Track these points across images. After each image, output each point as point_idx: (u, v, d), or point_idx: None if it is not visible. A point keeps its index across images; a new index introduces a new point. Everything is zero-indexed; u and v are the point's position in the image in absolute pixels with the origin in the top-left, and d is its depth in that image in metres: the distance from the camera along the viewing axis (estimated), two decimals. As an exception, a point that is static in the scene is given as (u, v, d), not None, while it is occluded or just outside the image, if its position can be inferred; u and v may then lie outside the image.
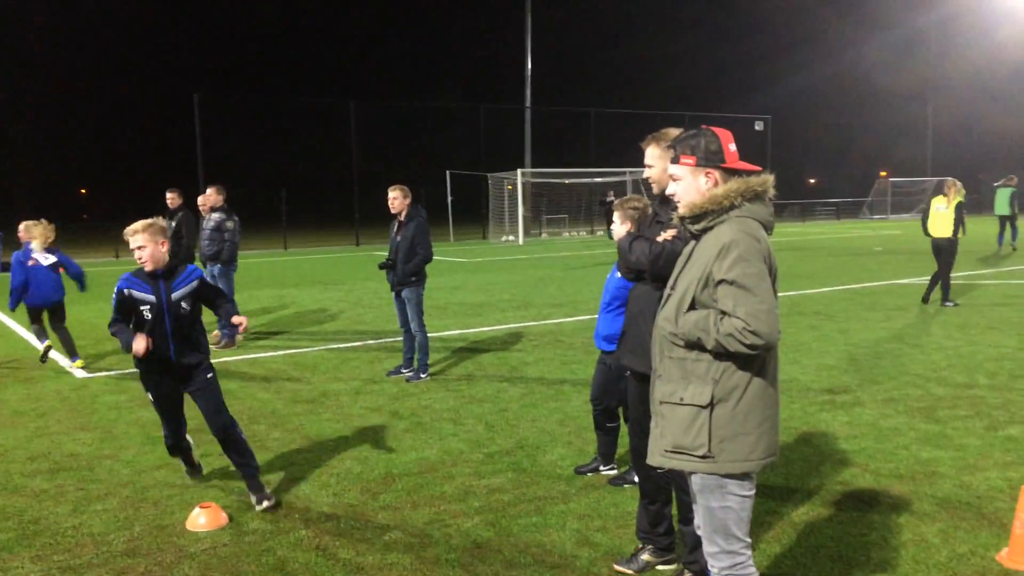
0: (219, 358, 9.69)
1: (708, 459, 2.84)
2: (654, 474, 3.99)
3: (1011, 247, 23.16)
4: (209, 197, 10.67)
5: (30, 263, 9.12)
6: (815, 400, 7.06)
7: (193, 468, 5.44)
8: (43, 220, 9.44)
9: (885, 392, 7.27)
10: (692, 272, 2.90)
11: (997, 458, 5.47)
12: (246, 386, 8.16)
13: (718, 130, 3.00)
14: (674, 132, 3.95)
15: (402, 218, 8.23)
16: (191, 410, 5.22)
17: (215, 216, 10.53)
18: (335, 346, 10.32)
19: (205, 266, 10.61)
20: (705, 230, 2.91)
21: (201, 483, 5.41)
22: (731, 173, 2.96)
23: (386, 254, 8.41)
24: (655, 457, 3.00)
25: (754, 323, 2.68)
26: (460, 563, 4.13)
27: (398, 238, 8.21)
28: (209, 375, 5.09)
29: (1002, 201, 23.28)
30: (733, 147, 2.99)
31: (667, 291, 3.01)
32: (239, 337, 10.64)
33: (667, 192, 3.15)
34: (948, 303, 12.39)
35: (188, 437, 5.33)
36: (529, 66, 39.71)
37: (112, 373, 8.94)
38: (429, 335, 8.53)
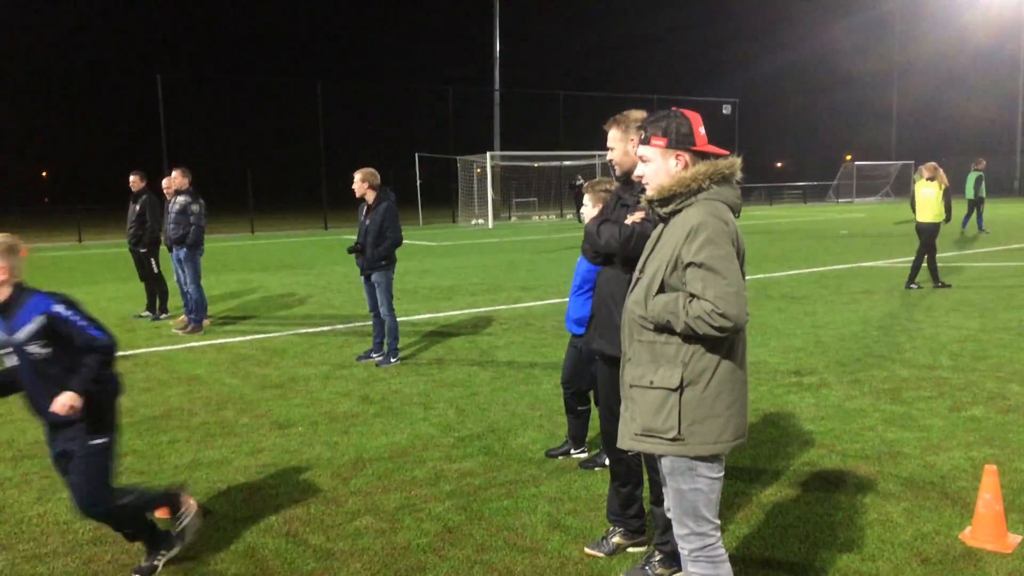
0: (186, 343, 9.58)
1: (678, 442, 2.85)
2: (626, 457, 4.01)
3: (979, 230, 23.54)
4: (174, 180, 10.49)
5: None
6: (782, 382, 7.14)
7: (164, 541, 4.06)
8: None
9: (851, 374, 7.38)
10: (661, 255, 2.90)
11: (960, 438, 5.58)
12: (213, 371, 8.07)
13: (688, 113, 2.99)
14: (637, 114, 3.94)
15: (370, 201, 8.16)
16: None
17: (180, 199, 10.36)
18: (304, 331, 10.24)
19: (171, 250, 10.45)
20: (673, 213, 2.91)
21: (168, 470, 5.34)
22: (701, 156, 2.95)
23: (354, 238, 8.34)
24: (625, 441, 3.00)
25: (723, 305, 2.69)
26: (432, 548, 4.13)
27: (367, 222, 8.15)
28: (93, 441, 3.78)
29: (968, 185, 23.74)
30: (703, 130, 2.99)
31: (636, 274, 3.01)
32: (206, 322, 10.51)
33: (635, 174, 3.14)
34: (913, 285, 12.59)
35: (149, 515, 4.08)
36: (498, 48, 39.56)
37: (76, 359, 8.79)
38: (399, 319, 8.49)
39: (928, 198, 12.59)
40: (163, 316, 11.31)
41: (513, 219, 38.38)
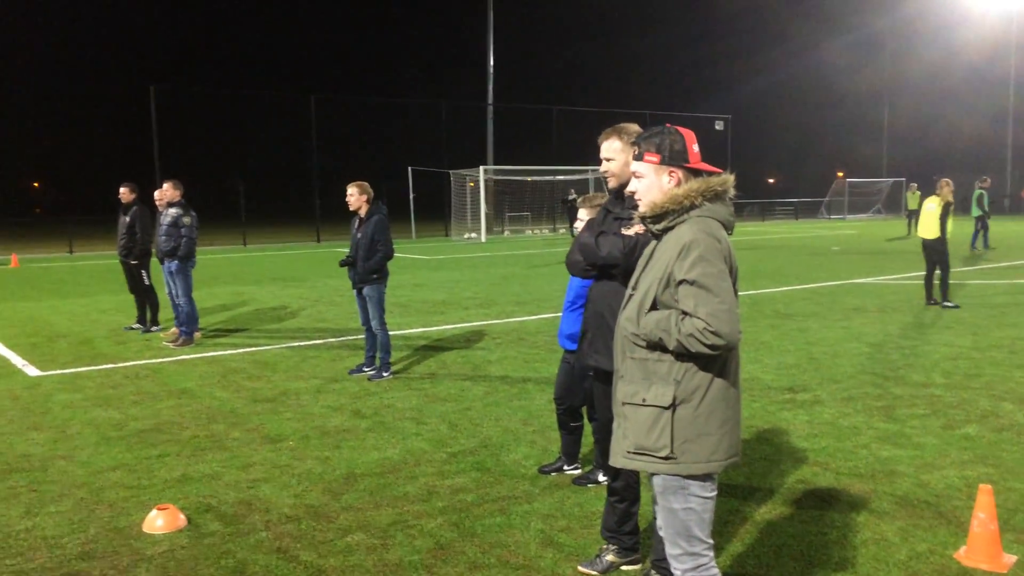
0: (177, 356, 9.52)
1: (670, 460, 2.83)
2: (624, 473, 3.98)
3: (981, 248, 23.64)
4: (166, 192, 10.46)
5: None
6: (776, 399, 7.13)
7: None
8: None
9: (844, 391, 7.37)
10: (653, 272, 2.89)
11: (954, 456, 5.57)
12: (204, 384, 8.02)
13: (683, 130, 2.99)
14: (635, 127, 3.94)
15: (363, 215, 8.15)
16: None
17: (172, 211, 10.32)
18: (296, 344, 10.19)
19: (162, 262, 10.40)
20: (666, 230, 2.91)
21: (158, 484, 5.29)
22: (694, 174, 2.95)
23: (347, 251, 8.32)
24: (617, 458, 2.98)
25: (715, 323, 2.68)
26: (424, 565, 4.09)
27: (359, 235, 8.13)
28: None
29: (973, 203, 23.90)
30: (696, 148, 2.99)
31: (628, 291, 3.00)
32: (197, 335, 10.45)
33: (628, 189, 3.13)
34: (947, 304, 12.36)
35: None
36: (491, 63, 39.69)
37: (66, 371, 8.73)
38: (391, 333, 8.47)
39: (929, 213, 12.52)
40: (154, 328, 11.25)
41: (506, 233, 38.39)
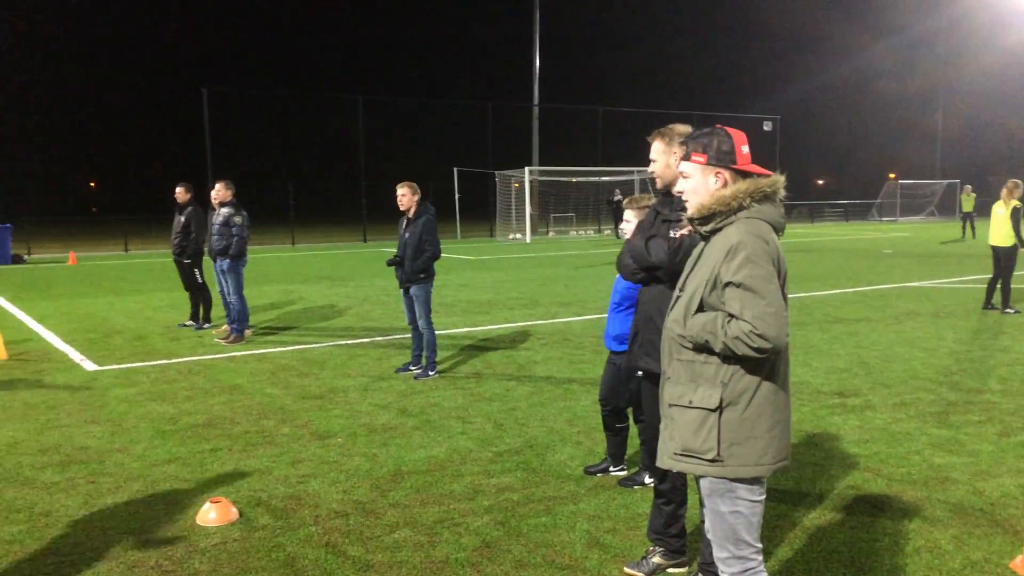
0: (228, 353, 9.70)
1: (717, 463, 2.81)
2: (671, 475, 3.97)
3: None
4: (218, 192, 10.67)
5: None
6: (826, 403, 7.03)
7: None
8: None
9: (896, 396, 7.24)
10: (700, 274, 2.87)
11: (1010, 464, 5.44)
12: (255, 381, 8.16)
13: (732, 131, 2.97)
14: (681, 128, 3.94)
15: (411, 215, 8.22)
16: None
17: (224, 211, 10.52)
18: (343, 342, 10.32)
19: (215, 261, 10.62)
20: (714, 231, 2.89)
21: (210, 478, 5.41)
22: (742, 175, 2.93)
23: (394, 250, 8.40)
24: (664, 460, 2.98)
25: (761, 326, 2.66)
26: (470, 562, 4.12)
27: (407, 235, 8.20)
28: None
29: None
30: (746, 149, 2.95)
31: (676, 292, 2.99)
32: (248, 332, 10.64)
33: (676, 189, 3.13)
34: (1009, 310, 12.03)
35: None
36: (537, 63, 39.69)
37: (122, 367, 8.96)
38: (437, 332, 8.52)
39: (999, 219, 12.04)
40: (206, 326, 11.47)
41: (551, 234, 38.37)
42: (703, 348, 2.82)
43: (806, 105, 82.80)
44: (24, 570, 4.10)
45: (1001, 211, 12.01)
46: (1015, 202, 11.88)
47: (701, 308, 2.84)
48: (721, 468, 2.82)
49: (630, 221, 4.89)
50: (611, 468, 5.36)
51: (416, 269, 8.11)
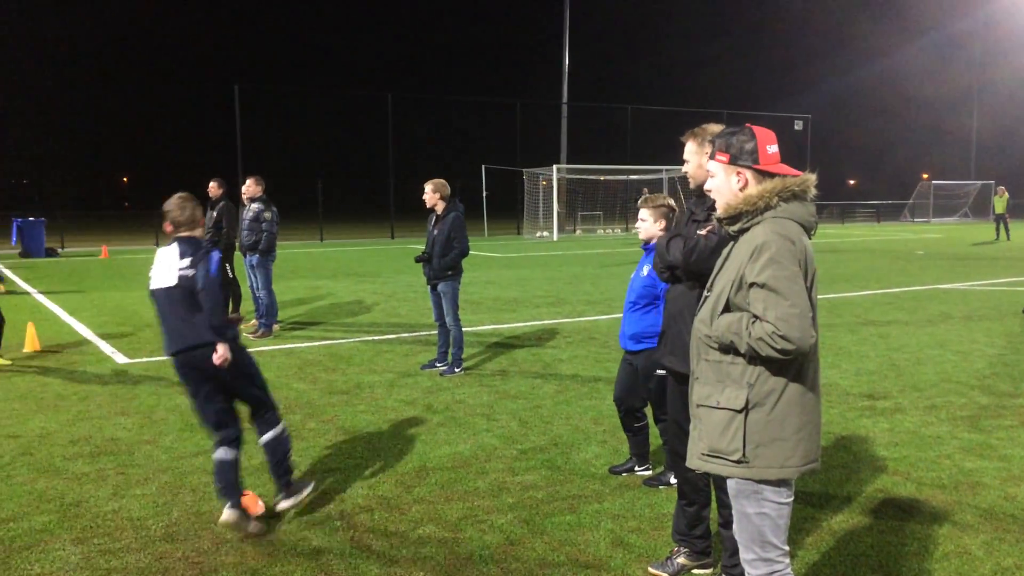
0: (256, 347, 9.78)
1: (743, 464, 2.80)
2: (692, 475, 3.95)
3: None
4: (249, 187, 10.76)
5: None
6: (855, 405, 6.95)
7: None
8: None
9: (927, 399, 7.14)
10: (727, 274, 2.86)
11: (1043, 470, 5.34)
12: (282, 376, 8.22)
13: (759, 130, 2.94)
14: (714, 128, 3.92)
15: (439, 212, 8.24)
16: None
17: (254, 207, 10.62)
18: (370, 338, 10.37)
19: (245, 256, 10.72)
20: (742, 231, 2.87)
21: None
22: (766, 175, 2.90)
23: (420, 247, 8.42)
24: (693, 460, 2.97)
25: (784, 328, 2.64)
26: (494, 559, 4.12)
27: (435, 231, 8.22)
28: None
29: None
30: (772, 148, 2.92)
31: (704, 292, 2.99)
32: (276, 327, 10.73)
33: (704, 188, 3.13)
34: None
35: None
36: (567, 62, 39.60)
37: (151, 359, 9.07)
38: (463, 329, 8.54)
39: None
40: (235, 320, 11.56)
41: (578, 232, 38.29)
42: (729, 349, 2.80)
43: (838, 104, 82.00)
44: (55, 560, 4.16)
45: None
46: None
47: (728, 308, 2.83)
48: (747, 469, 2.80)
49: (645, 220, 4.92)
50: (636, 468, 5.34)
51: (444, 266, 8.13)
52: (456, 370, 8.27)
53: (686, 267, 3.75)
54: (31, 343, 9.56)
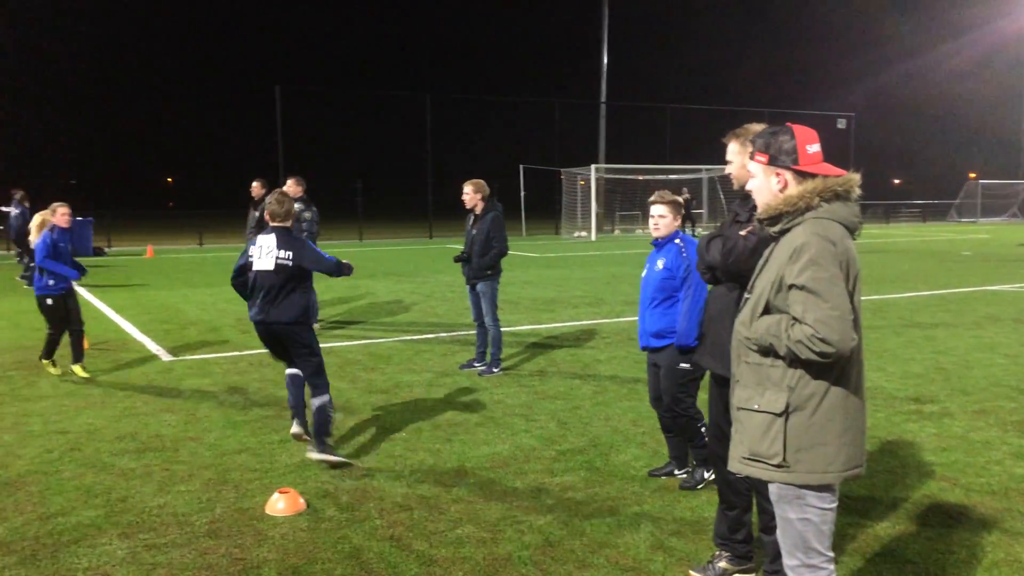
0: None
1: (783, 468, 2.76)
2: (733, 479, 3.90)
3: None
4: (289, 188, 10.87)
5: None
6: (901, 409, 6.82)
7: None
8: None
9: (976, 403, 6.98)
10: (767, 275, 2.83)
11: (1098, 478, 5.19)
12: (322, 374, 8.28)
13: (799, 129, 2.89)
14: (756, 128, 3.86)
15: (478, 212, 8.25)
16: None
17: (295, 206, 10.71)
18: (409, 337, 10.42)
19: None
20: (783, 232, 2.83)
21: (279, 469, 5.51)
22: (808, 175, 2.84)
23: (459, 247, 8.44)
24: (734, 463, 2.94)
25: (824, 330, 2.59)
26: (532, 561, 4.11)
27: (473, 231, 8.23)
28: None
29: None
30: (813, 148, 2.86)
31: (745, 294, 2.95)
32: (316, 326, 10.82)
33: (746, 188, 3.10)
34: None
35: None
36: (605, 60, 39.44)
37: (196, 357, 9.20)
38: (502, 329, 8.54)
39: None
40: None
41: (616, 232, 38.13)
42: (769, 351, 2.77)
43: (883, 102, 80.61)
44: (101, 554, 4.24)
45: None
46: None
47: (768, 310, 2.80)
48: (788, 474, 2.76)
49: (665, 216, 4.94)
50: (676, 471, 5.29)
51: (483, 266, 8.14)
52: (494, 370, 8.27)
53: (724, 268, 3.73)
54: (79, 340, 9.75)
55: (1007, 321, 11.40)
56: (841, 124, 45.90)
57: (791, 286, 2.69)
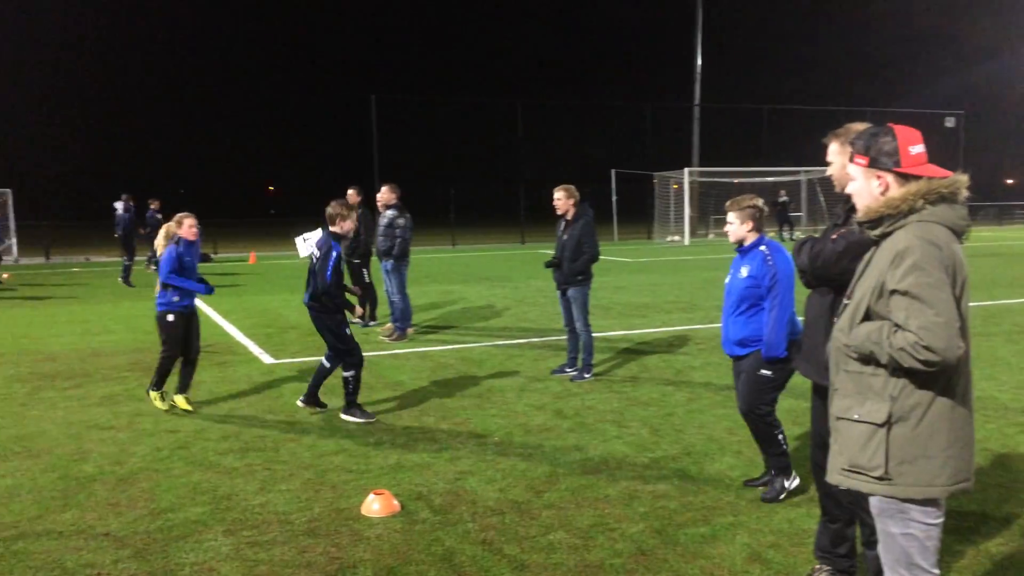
0: (392, 350, 10.08)
1: (885, 481, 2.66)
2: (834, 491, 3.78)
3: None
4: (383, 195, 11.11)
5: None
6: (1014, 421, 6.48)
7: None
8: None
9: (1098, 416, 6.57)
10: (868, 281, 2.73)
11: None
12: (416, 378, 8.43)
13: (902, 130, 2.78)
14: (858, 127, 3.74)
15: (569, 217, 8.24)
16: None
17: (388, 213, 10.96)
18: (501, 342, 10.49)
19: (381, 261, 11.07)
20: (884, 236, 2.73)
21: (374, 471, 5.63)
22: (910, 177, 2.73)
23: (550, 252, 8.45)
24: (833, 475, 2.85)
25: (928, 338, 2.49)
26: (625, 569, 4.08)
27: (564, 236, 8.23)
28: None
29: None
30: (917, 150, 2.75)
31: (844, 300, 2.87)
32: (410, 330, 11.02)
33: (846, 191, 3.01)
34: None
35: None
36: (699, 62, 38.85)
37: (296, 360, 9.49)
38: (593, 335, 8.50)
39: None
40: (372, 324, 11.97)
41: (710, 236, 37.46)
42: (869, 359, 2.68)
43: (995, 99, 76.77)
44: (207, 549, 4.41)
45: None
46: None
47: (868, 317, 2.71)
48: (890, 487, 2.66)
49: (732, 223, 4.87)
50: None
51: (574, 271, 8.13)
52: (586, 375, 8.25)
53: (812, 271, 3.66)
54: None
55: None
56: (950, 123, 43.91)
57: (893, 291, 2.60)
